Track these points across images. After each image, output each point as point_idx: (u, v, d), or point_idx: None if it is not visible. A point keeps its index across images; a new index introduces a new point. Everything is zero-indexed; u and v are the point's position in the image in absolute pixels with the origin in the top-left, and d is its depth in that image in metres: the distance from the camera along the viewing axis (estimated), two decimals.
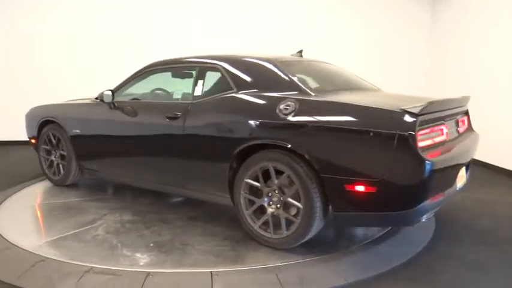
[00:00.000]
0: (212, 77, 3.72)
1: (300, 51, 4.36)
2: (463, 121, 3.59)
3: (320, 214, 2.99)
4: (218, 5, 7.68)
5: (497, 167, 5.82)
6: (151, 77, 4.20)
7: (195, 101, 3.63)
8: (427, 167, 2.59)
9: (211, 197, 3.65)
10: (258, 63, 3.57)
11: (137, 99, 4.25)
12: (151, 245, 3.30)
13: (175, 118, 3.64)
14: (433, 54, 7.77)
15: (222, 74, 3.60)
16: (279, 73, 3.39)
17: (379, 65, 7.64)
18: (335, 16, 7.80)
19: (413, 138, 2.61)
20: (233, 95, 3.44)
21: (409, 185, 2.70)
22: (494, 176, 5.71)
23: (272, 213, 3.19)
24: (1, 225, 3.68)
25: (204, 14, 7.66)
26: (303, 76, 3.57)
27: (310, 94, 3.18)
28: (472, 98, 3.64)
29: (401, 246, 3.38)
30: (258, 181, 3.23)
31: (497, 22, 5.83)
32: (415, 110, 2.66)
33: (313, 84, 3.56)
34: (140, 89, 4.32)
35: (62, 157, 4.79)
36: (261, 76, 3.44)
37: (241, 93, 3.40)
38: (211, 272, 2.85)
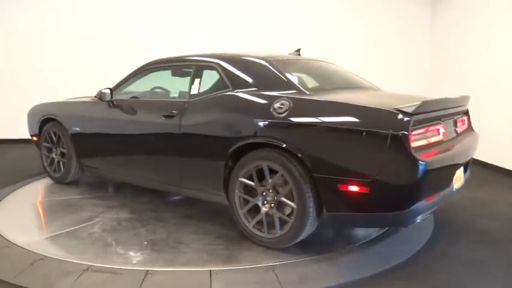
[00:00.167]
0: (209, 76, 3.67)
1: (298, 50, 4.30)
2: (462, 121, 3.52)
3: (313, 214, 2.93)
4: (218, 5, 7.62)
5: (497, 167, 5.76)
6: (150, 75, 4.16)
7: (191, 100, 3.59)
8: (421, 168, 2.52)
9: (208, 196, 3.60)
10: (254, 62, 3.51)
11: (136, 97, 4.22)
12: (145, 243, 3.25)
13: (171, 116, 3.60)
14: (433, 54, 7.69)
15: (218, 72, 3.55)
16: (275, 72, 3.34)
17: (379, 64, 7.56)
18: (335, 16, 7.73)
19: (407, 138, 2.54)
20: (228, 93, 3.39)
21: (402, 186, 2.63)
22: (493, 175, 5.65)
23: (266, 213, 3.13)
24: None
25: (204, 14, 7.61)
26: (299, 75, 3.52)
27: (305, 93, 3.13)
28: (472, 98, 3.57)
29: (399, 246, 3.33)
30: (252, 180, 3.17)
31: (497, 22, 5.76)
32: (409, 110, 2.59)
33: (309, 83, 3.50)
34: (138, 87, 4.28)
35: (63, 155, 4.77)
36: (257, 75, 3.39)
37: (237, 92, 3.35)
38: (210, 270, 2.80)
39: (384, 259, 3.06)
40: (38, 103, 5.20)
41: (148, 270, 2.78)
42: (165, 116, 3.64)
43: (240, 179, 3.22)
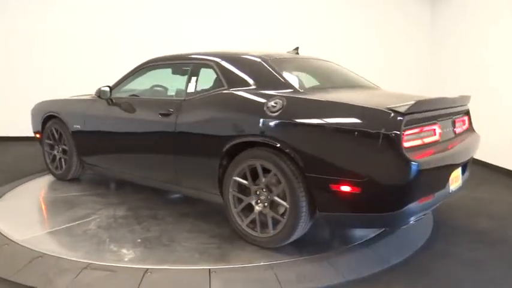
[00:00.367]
0: (206, 74, 3.63)
1: (296, 49, 4.23)
2: (462, 121, 3.43)
3: (306, 214, 2.87)
4: (218, 5, 7.58)
5: (496, 166, 5.70)
6: (148, 73, 4.13)
7: (188, 98, 3.55)
8: (413, 168, 2.45)
9: (204, 195, 3.56)
10: (250, 61, 3.47)
11: (135, 95, 4.19)
12: (139, 240, 3.22)
13: (168, 115, 3.57)
14: (432, 53, 7.60)
15: (214, 70, 3.51)
16: (270, 70, 3.28)
17: (379, 64, 7.46)
18: (335, 15, 7.66)
19: (399, 138, 2.47)
20: (222, 92, 3.35)
21: (394, 186, 2.56)
22: (492, 175, 5.59)
23: (260, 212, 3.08)
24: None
25: (204, 14, 7.57)
26: (295, 73, 3.46)
27: (300, 92, 3.07)
28: (472, 97, 3.49)
29: (399, 245, 3.28)
30: (246, 179, 3.13)
31: (497, 20, 5.68)
32: (402, 109, 2.52)
33: (305, 81, 3.44)
34: (137, 85, 4.26)
35: (64, 152, 4.76)
36: (253, 73, 3.34)
37: (232, 91, 3.30)
38: (209, 269, 2.77)
39: (383, 258, 3.02)
40: (41, 100, 5.20)
41: (148, 269, 2.74)
42: (162, 114, 3.61)
43: (234, 177, 3.17)
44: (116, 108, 4.10)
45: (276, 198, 2.97)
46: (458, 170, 3.16)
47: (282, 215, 2.98)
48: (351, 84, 3.71)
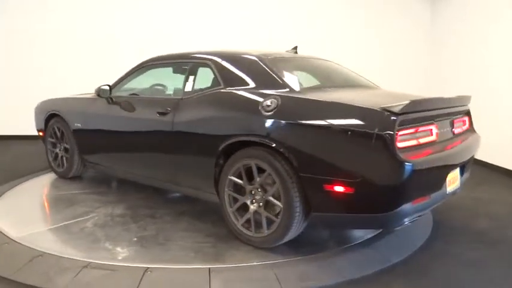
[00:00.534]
0: (204, 73, 3.59)
1: (295, 48, 4.17)
2: (462, 121, 3.35)
3: (300, 214, 2.81)
4: (218, 5, 7.52)
5: (496, 166, 5.61)
6: (147, 72, 4.10)
7: (185, 97, 3.51)
8: (407, 169, 2.38)
9: (201, 194, 3.51)
10: (246, 60, 3.41)
11: (135, 94, 4.16)
12: (135, 239, 3.18)
13: (165, 113, 3.53)
14: (433, 53, 7.50)
15: (211, 69, 3.47)
16: (266, 70, 3.23)
17: (379, 64, 7.36)
18: (335, 15, 7.57)
19: (392, 138, 2.40)
20: (218, 91, 3.31)
21: (387, 187, 2.49)
22: (492, 174, 5.51)
23: (254, 212, 3.03)
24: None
25: (204, 13, 7.50)
26: (292, 73, 3.39)
27: (295, 91, 3.02)
28: (472, 97, 3.41)
29: (399, 244, 3.23)
30: (241, 178, 3.08)
31: (498, 20, 5.59)
32: (396, 109, 2.45)
33: (302, 81, 3.37)
34: (136, 84, 4.23)
35: (66, 150, 4.75)
36: (249, 73, 3.29)
37: (228, 90, 3.26)
38: (209, 268, 2.73)
39: (383, 257, 2.98)
40: (43, 99, 5.19)
41: (147, 268, 2.71)
42: (160, 113, 3.58)
43: (230, 177, 3.12)
44: (116, 107, 4.07)
45: (271, 198, 2.92)
46: (456, 171, 3.09)
47: (277, 215, 2.92)
48: (349, 84, 3.65)
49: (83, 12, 7.46)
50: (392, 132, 2.40)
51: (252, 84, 3.19)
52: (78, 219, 3.56)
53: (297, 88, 3.08)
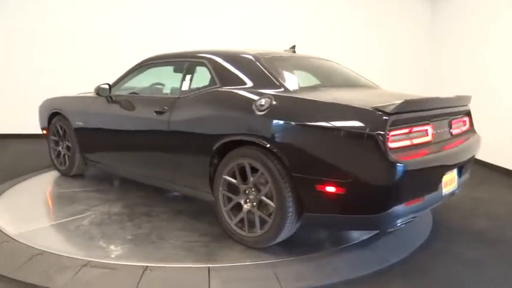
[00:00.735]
0: (201, 72, 3.51)
1: (293, 47, 4.07)
2: (461, 122, 3.23)
3: (293, 215, 2.72)
4: (218, 5, 7.42)
5: (496, 166, 5.51)
6: (146, 71, 4.04)
7: (182, 96, 3.43)
8: (398, 169, 2.29)
9: (198, 193, 3.43)
10: (242, 59, 3.33)
11: (134, 93, 4.10)
12: (129, 237, 3.12)
13: (162, 112, 3.46)
14: (433, 53, 7.38)
15: (208, 68, 3.39)
16: (262, 69, 3.15)
17: (379, 64, 7.25)
18: (335, 15, 7.46)
19: (383, 138, 2.31)
20: (213, 90, 3.23)
21: (378, 188, 2.40)
22: (492, 174, 5.41)
23: (248, 211, 2.95)
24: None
25: (204, 13, 7.41)
26: (289, 72, 3.31)
27: (289, 91, 2.93)
28: (472, 97, 3.30)
29: (397, 244, 3.15)
30: (235, 178, 2.99)
31: (498, 19, 5.48)
32: (388, 109, 2.36)
33: (299, 80, 3.30)
34: (136, 83, 4.17)
35: (68, 148, 4.70)
36: (244, 72, 3.21)
37: (223, 89, 3.18)
38: (208, 267, 2.67)
39: (382, 257, 2.91)
40: (45, 98, 5.14)
41: (147, 266, 2.65)
42: (157, 112, 3.51)
43: (224, 176, 3.05)
44: (115, 105, 4.01)
45: (264, 198, 2.83)
46: (453, 172, 2.98)
47: (271, 215, 2.83)
48: (348, 84, 3.56)
49: (83, 12, 7.38)
50: (383, 132, 2.31)
51: (247, 84, 3.11)
52: (75, 217, 3.50)
53: (291, 87, 2.99)
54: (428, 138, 2.70)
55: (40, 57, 7.41)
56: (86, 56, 7.37)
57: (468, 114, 3.36)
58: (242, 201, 2.98)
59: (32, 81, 7.39)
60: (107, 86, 4.05)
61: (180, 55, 3.76)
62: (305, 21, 7.41)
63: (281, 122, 2.71)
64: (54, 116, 4.83)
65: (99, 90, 4.08)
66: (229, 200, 3.06)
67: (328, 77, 3.67)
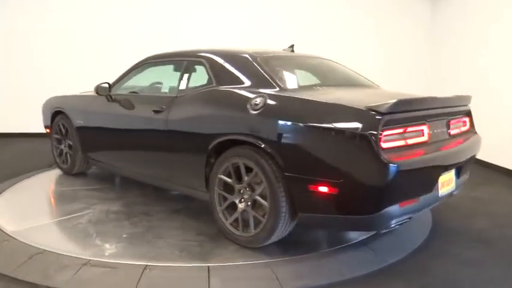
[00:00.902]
0: (199, 71, 3.47)
1: (291, 46, 3.99)
2: (460, 122, 3.13)
3: (287, 215, 2.65)
4: (218, 5, 7.34)
5: (496, 166, 5.41)
6: (146, 71, 3.99)
7: (179, 95, 3.38)
8: (391, 170, 2.21)
9: (195, 193, 3.37)
10: (238, 58, 3.27)
11: (133, 92, 4.04)
12: (125, 236, 3.07)
13: (160, 111, 3.40)
14: (433, 53, 7.26)
15: (205, 67, 3.33)
16: (257, 68, 3.07)
17: (379, 63, 7.14)
18: (335, 15, 7.36)
19: (376, 138, 2.23)
20: (209, 89, 3.17)
21: (371, 188, 2.32)
22: (492, 174, 5.30)
23: (243, 211, 2.88)
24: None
25: (204, 13, 7.33)
26: (285, 71, 3.25)
27: (284, 90, 2.86)
28: (472, 97, 3.21)
29: (397, 244, 3.09)
30: (231, 177, 2.93)
31: (498, 19, 5.38)
32: (381, 108, 2.28)
33: (297, 79, 3.24)
34: (135, 82, 4.11)
35: (70, 147, 4.66)
36: (240, 71, 3.14)
37: (219, 88, 3.11)
38: (208, 266, 2.62)
39: (381, 257, 2.85)
40: (45, 97, 5.11)
41: (147, 265, 2.61)
42: (155, 111, 3.45)
43: (219, 175, 2.98)
44: (114, 104, 3.96)
45: (258, 198, 2.76)
46: (451, 173, 2.88)
47: (265, 214, 2.76)
48: (347, 83, 3.48)
49: (83, 12, 7.31)
50: (375, 132, 2.23)
51: (243, 83, 3.04)
52: (74, 215, 3.46)
53: (287, 87, 2.93)
54: (424, 138, 2.61)
55: (40, 57, 7.34)
56: (86, 56, 7.30)
57: (468, 114, 3.26)
58: (237, 201, 2.91)
59: (32, 81, 7.33)
60: (107, 85, 4.00)
61: (179, 54, 3.70)
62: (305, 21, 7.32)
63: (275, 121, 2.64)
64: (57, 114, 4.79)
65: (98, 89, 4.02)
66: (225, 199, 3.00)
67: (326, 76, 3.59)
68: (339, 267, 2.67)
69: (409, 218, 2.65)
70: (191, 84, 3.41)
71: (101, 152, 4.34)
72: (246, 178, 2.83)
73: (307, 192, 2.49)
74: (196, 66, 3.47)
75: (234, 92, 3.01)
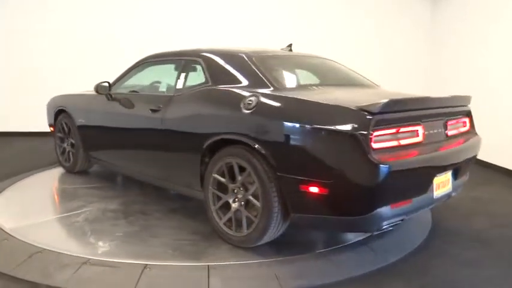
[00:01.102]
0: (196, 70, 3.40)
1: (290, 45, 3.91)
2: (459, 123, 3.03)
3: (279, 215, 2.58)
4: (218, 5, 7.25)
5: (496, 166, 5.30)
6: (145, 70, 3.94)
7: (176, 94, 3.32)
8: (381, 170, 2.13)
9: (192, 192, 3.30)
10: (233, 57, 3.20)
11: (133, 91, 3.99)
12: (120, 234, 3.01)
13: (157, 110, 3.35)
14: (433, 53, 7.13)
15: (201, 67, 3.27)
16: (252, 67, 3.00)
17: (379, 63, 7.01)
18: (335, 15, 7.25)
19: (366, 138, 2.15)
20: (204, 88, 3.11)
21: (361, 189, 2.25)
22: (492, 174, 5.20)
23: (236, 210, 2.81)
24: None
25: (204, 13, 7.23)
26: (281, 71, 3.19)
27: (278, 89, 2.78)
28: (472, 97, 3.11)
29: (396, 243, 3.02)
30: (224, 177, 2.86)
31: (498, 19, 5.26)
32: (372, 108, 2.19)
33: (294, 79, 3.17)
34: (134, 81, 4.06)
35: (72, 145, 4.62)
36: (235, 70, 3.07)
37: (214, 87, 3.05)
38: (208, 265, 2.57)
39: (381, 257, 2.79)
40: (48, 96, 5.08)
41: (147, 264, 2.56)
42: (152, 110, 3.40)
43: (214, 175, 2.92)
44: (114, 103, 3.92)
45: (250, 198, 2.70)
46: (447, 175, 2.79)
47: (256, 214, 2.69)
48: (344, 82, 3.40)
49: (83, 12, 7.24)
50: (366, 132, 2.15)
51: (238, 82, 2.98)
52: (71, 213, 3.41)
53: (281, 86, 2.85)
54: (419, 139, 2.52)
55: (40, 57, 7.27)
56: (86, 56, 7.22)
57: (468, 115, 3.15)
58: (231, 200, 2.85)
59: (32, 81, 7.26)
60: (107, 84, 3.97)
61: (178, 53, 3.65)
62: (305, 21, 7.21)
63: (266, 120, 2.58)
64: (60, 113, 4.76)
65: (98, 88, 3.99)
66: (219, 198, 2.94)
67: (324, 76, 3.51)
68: (339, 267, 2.63)
69: (402, 220, 2.56)
70: (188, 84, 3.35)
71: (102, 151, 4.30)
72: (239, 178, 2.76)
73: (299, 193, 2.42)
74: (193, 66, 3.41)
75: (227, 91, 2.95)
